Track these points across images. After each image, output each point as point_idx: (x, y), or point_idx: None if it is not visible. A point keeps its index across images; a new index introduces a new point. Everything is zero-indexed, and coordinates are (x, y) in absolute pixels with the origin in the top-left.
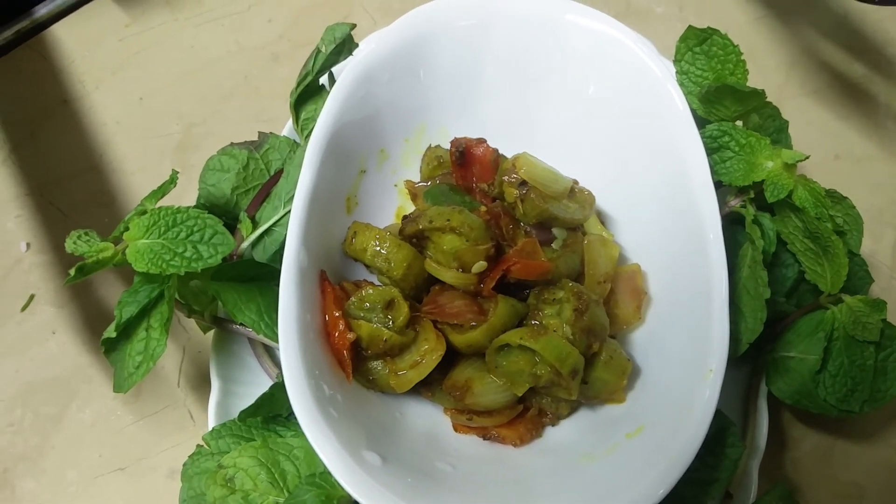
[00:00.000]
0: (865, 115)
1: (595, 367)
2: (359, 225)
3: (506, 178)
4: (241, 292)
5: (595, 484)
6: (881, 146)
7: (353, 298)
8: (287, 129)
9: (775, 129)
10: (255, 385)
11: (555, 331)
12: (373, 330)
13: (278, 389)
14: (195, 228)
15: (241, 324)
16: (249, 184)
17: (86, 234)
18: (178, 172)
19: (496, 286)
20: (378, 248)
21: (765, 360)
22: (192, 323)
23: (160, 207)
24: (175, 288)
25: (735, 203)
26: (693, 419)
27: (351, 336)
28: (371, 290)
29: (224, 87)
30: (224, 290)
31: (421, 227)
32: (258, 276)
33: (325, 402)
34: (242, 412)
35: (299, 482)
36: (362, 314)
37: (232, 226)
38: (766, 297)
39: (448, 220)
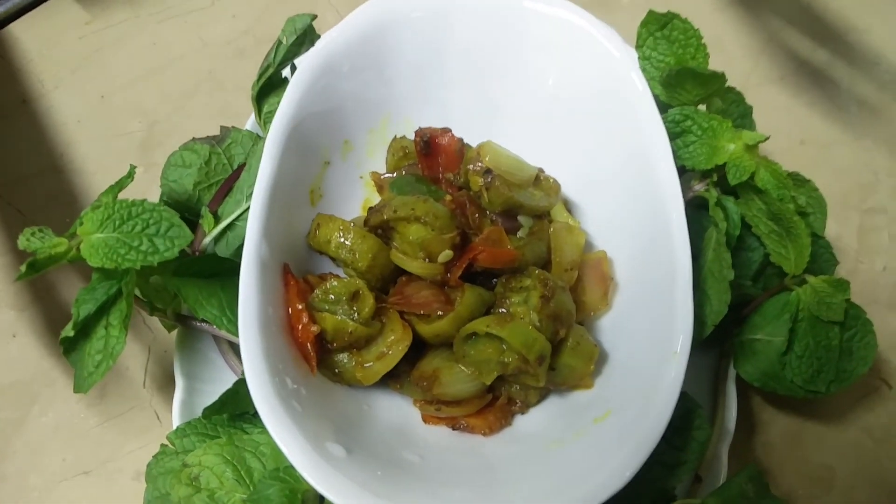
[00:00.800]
0: (829, 101)
1: (562, 353)
2: (322, 217)
3: (471, 166)
4: (203, 288)
5: (564, 469)
6: (845, 131)
7: (316, 291)
8: (250, 122)
9: (739, 114)
10: (221, 383)
11: (522, 318)
12: (337, 322)
13: (243, 386)
14: (151, 221)
15: (203, 320)
16: (212, 179)
17: (40, 230)
18: (135, 167)
19: (463, 275)
20: (342, 240)
21: (732, 343)
22: (156, 322)
23: (115, 200)
24: (133, 284)
25: (699, 187)
26: (658, 401)
27: (315, 329)
28: (335, 283)
29: (188, 84)
30: (185, 285)
31: (386, 217)
32: (220, 272)
33: (287, 396)
34: (206, 409)
35: (263, 477)
36: (327, 307)
37: (194, 222)
38: (729, 278)
39: (413, 209)
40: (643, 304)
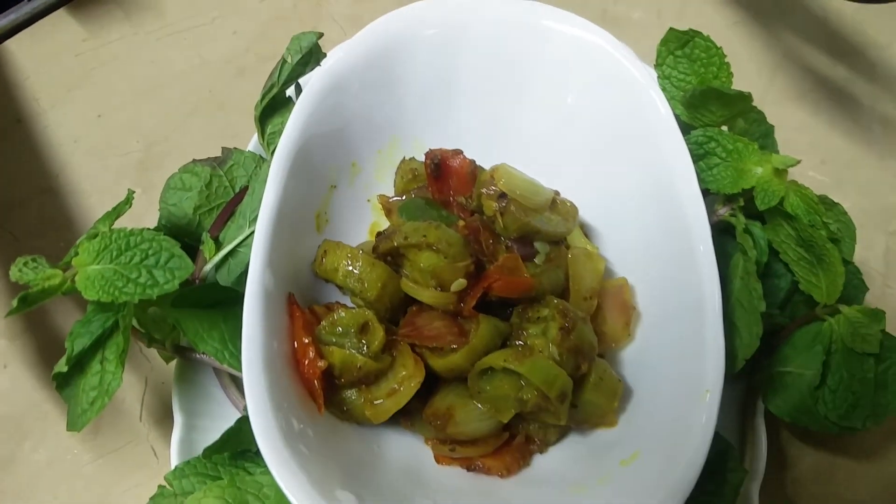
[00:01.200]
0: (850, 119)
1: (584, 389)
2: (329, 243)
3: (484, 190)
4: (204, 319)
5: None
6: (868, 150)
7: (323, 323)
8: (252, 144)
9: (761, 133)
10: (222, 419)
11: (540, 351)
12: (346, 356)
13: (245, 423)
14: (150, 252)
15: (204, 353)
16: (213, 202)
17: (33, 260)
18: (134, 192)
19: (477, 305)
20: (350, 268)
21: (761, 376)
22: (154, 352)
23: (112, 230)
24: (131, 317)
25: (724, 212)
26: (691, 444)
27: (322, 364)
28: (343, 314)
29: (187, 103)
30: (184, 317)
31: (396, 244)
32: (222, 301)
33: (294, 438)
34: (207, 448)
35: None
36: (334, 339)
37: (195, 248)
38: (761, 310)
39: (424, 236)
40: (669, 336)
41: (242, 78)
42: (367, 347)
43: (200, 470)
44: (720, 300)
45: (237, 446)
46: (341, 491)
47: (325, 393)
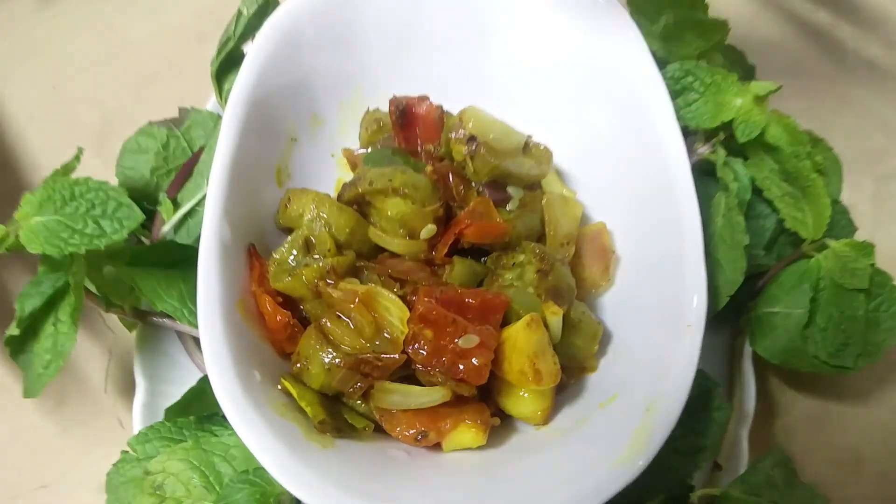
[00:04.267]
0: (835, 63)
1: (564, 332)
2: (293, 190)
3: (453, 134)
4: (161, 278)
5: (568, 460)
6: (854, 94)
7: (269, 265)
8: (211, 103)
9: (743, 75)
10: (187, 384)
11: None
12: (297, 278)
13: (209, 384)
14: (96, 201)
15: (163, 314)
16: (171, 164)
17: None
18: (82, 149)
19: (449, 253)
20: (316, 212)
21: (747, 318)
22: (118, 322)
23: (55, 179)
24: (83, 274)
25: (704, 150)
26: (671, 381)
27: (282, 317)
28: (285, 244)
29: (145, 71)
30: (141, 276)
31: (361, 190)
32: (180, 261)
33: (256, 390)
34: (168, 410)
35: (232, 480)
36: (287, 275)
37: (154, 211)
38: (744, 243)
39: (390, 180)
40: (649, 278)
41: (202, 43)
42: (321, 258)
43: (164, 434)
44: (700, 233)
45: (202, 408)
46: (307, 441)
47: (293, 341)
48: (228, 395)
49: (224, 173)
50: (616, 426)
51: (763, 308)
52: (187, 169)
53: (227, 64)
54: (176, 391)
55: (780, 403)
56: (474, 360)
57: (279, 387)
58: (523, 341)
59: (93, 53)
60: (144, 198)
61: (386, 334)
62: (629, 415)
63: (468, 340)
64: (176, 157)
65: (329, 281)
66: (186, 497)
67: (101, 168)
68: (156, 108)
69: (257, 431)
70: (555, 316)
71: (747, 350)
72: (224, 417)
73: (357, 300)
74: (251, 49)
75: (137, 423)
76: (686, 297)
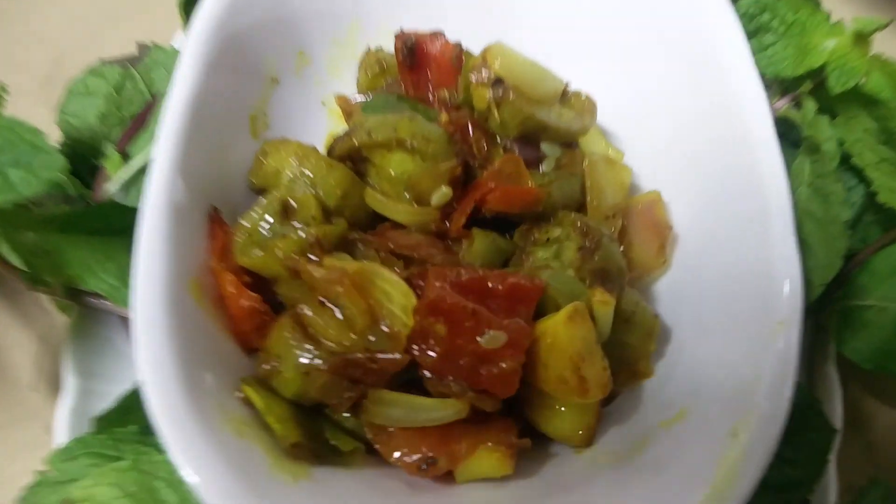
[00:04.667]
0: None
1: (612, 328)
2: (271, 142)
3: (474, 76)
4: (98, 249)
5: (628, 497)
6: None
7: (236, 232)
8: (177, 39)
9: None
10: (132, 382)
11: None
12: (273, 250)
13: None
14: (5, 146)
15: (98, 295)
16: (125, 111)
17: None
18: (7, 85)
19: (467, 225)
20: (299, 169)
21: (831, 313)
22: (53, 307)
23: None
24: None
25: (781, 105)
26: (763, 396)
27: (248, 302)
28: (256, 208)
29: (104, 8)
30: (71, 245)
31: (357, 142)
32: (127, 229)
33: (205, 401)
34: (99, 418)
35: None
36: (258, 247)
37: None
38: (844, 218)
39: (394, 130)
40: (718, 259)
41: None
42: (303, 225)
43: (95, 448)
44: (790, 202)
45: (145, 417)
46: (276, 473)
47: (262, 334)
48: (163, 405)
49: (181, 115)
50: (690, 455)
51: (851, 300)
52: (143, 117)
53: None
54: (118, 391)
55: (865, 414)
56: (501, 365)
57: (239, 395)
58: (565, 339)
59: None
60: (91, 152)
61: (384, 327)
62: (707, 439)
63: (493, 339)
64: (131, 103)
65: (312, 257)
66: None
67: (47, 117)
68: (115, 50)
69: (201, 458)
70: (605, 307)
71: (831, 351)
72: None
73: (347, 281)
74: None
75: (63, 433)
76: (773, 284)
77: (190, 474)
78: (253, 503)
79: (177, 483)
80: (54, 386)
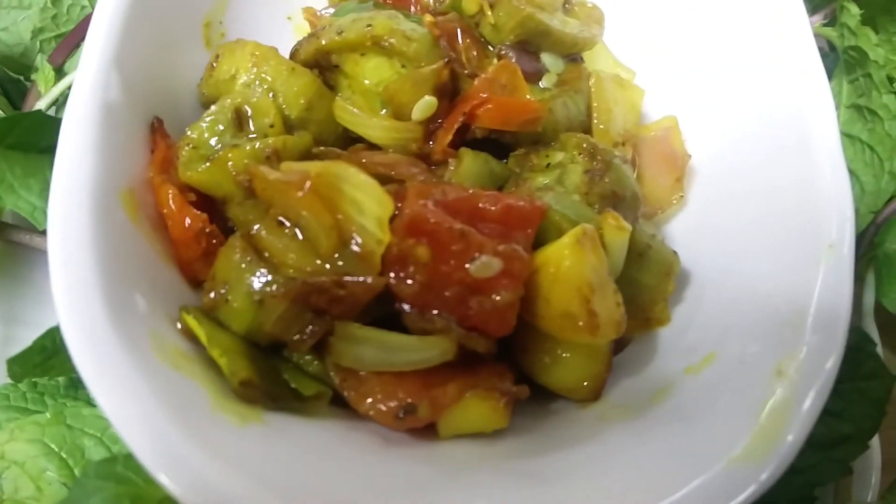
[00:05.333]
0: None
1: (626, 264)
2: (224, 45)
3: None
4: (18, 163)
5: (647, 454)
6: None
7: (180, 144)
8: None
9: None
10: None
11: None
12: (223, 161)
13: None
14: None
15: (18, 217)
16: (63, 26)
17: None
18: None
19: (454, 146)
20: (256, 72)
21: (868, 260)
22: None
23: None
24: None
25: (815, 20)
26: (815, 327)
27: (193, 221)
28: (206, 116)
29: None
30: None
31: (325, 43)
32: (53, 144)
33: (136, 329)
34: (12, 361)
35: (86, 473)
36: (206, 160)
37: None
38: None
39: (368, 26)
40: (748, 188)
41: None
42: (253, 135)
43: (13, 401)
44: (835, 119)
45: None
46: (224, 423)
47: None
48: (81, 327)
49: (120, 5)
50: (724, 400)
51: (891, 245)
52: (82, 30)
53: None
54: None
55: None
56: (495, 298)
57: (178, 325)
58: (572, 267)
59: None
60: (20, 69)
61: (354, 246)
62: (745, 382)
63: (486, 266)
64: (70, 18)
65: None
66: (34, 500)
67: None
68: None
69: (127, 391)
70: (619, 233)
71: (868, 301)
72: None
73: (308, 186)
74: None
75: None
76: (820, 206)
77: (109, 405)
78: (191, 445)
79: (108, 440)
80: None
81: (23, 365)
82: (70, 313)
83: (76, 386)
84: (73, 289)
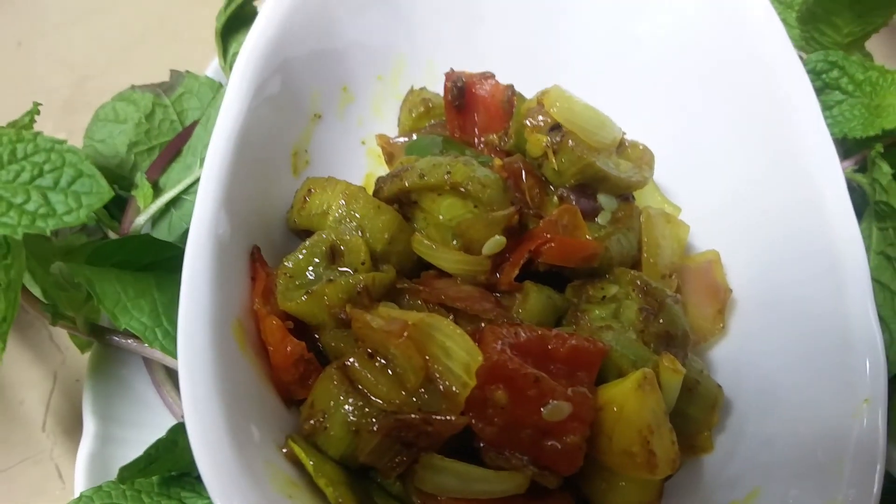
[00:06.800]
0: None
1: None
2: (316, 179)
3: (529, 120)
4: (129, 284)
5: None
6: None
7: (278, 274)
8: (212, 68)
9: None
10: (152, 428)
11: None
12: (319, 295)
13: (183, 434)
14: (46, 167)
15: (127, 333)
16: (154, 139)
17: None
18: (39, 105)
19: (519, 278)
20: (347, 210)
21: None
22: (67, 340)
23: None
24: (21, 269)
25: (846, 166)
26: (846, 481)
27: (293, 348)
28: (302, 249)
29: (132, 31)
30: (102, 278)
31: (407, 184)
32: (157, 263)
33: (253, 457)
34: (124, 468)
35: None
36: (303, 291)
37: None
38: None
39: (448, 173)
40: (784, 325)
41: (203, 5)
42: (345, 269)
43: (116, 499)
44: (867, 270)
45: (171, 466)
46: None
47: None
48: (214, 461)
49: (227, 150)
50: None
51: None
52: (175, 146)
53: (237, 21)
54: (135, 437)
55: None
56: (565, 440)
57: (284, 450)
58: (634, 410)
59: (68, 7)
60: (117, 180)
61: (440, 386)
62: None
63: (557, 409)
64: (161, 132)
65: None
66: None
67: (70, 142)
68: (140, 74)
69: None
70: (674, 375)
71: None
72: (198, 479)
73: (406, 334)
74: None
75: (80, 480)
76: (853, 357)
77: None
78: None
79: None
80: (66, 425)
81: (131, 471)
82: (201, 442)
83: (170, 485)
84: (203, 420)
